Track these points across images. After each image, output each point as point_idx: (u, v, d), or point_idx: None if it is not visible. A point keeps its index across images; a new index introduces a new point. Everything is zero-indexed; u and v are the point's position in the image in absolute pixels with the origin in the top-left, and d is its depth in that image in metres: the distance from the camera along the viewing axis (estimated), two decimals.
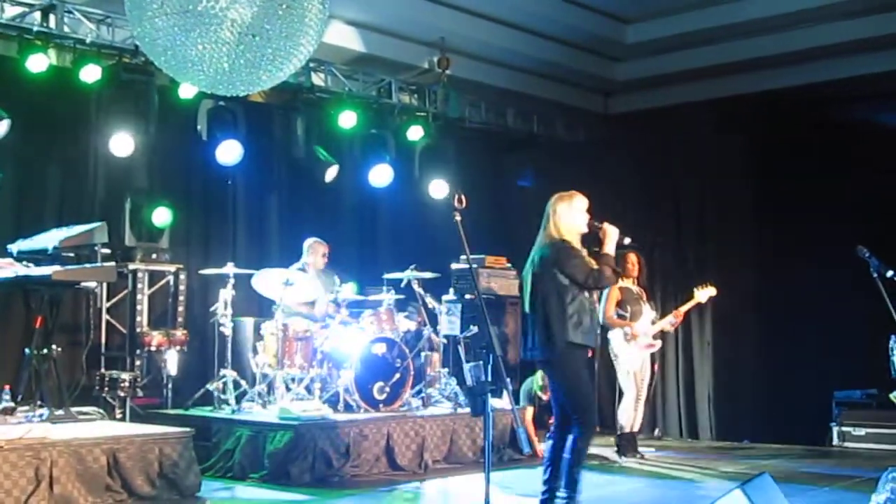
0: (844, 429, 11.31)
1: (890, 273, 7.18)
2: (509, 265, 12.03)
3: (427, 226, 11.75)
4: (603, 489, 7.12)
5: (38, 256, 8.37)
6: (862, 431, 11.17)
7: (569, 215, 6.83)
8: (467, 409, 9.60)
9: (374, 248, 12.34)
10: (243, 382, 9.56)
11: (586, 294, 6.66)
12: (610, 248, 6.82)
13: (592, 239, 6.97)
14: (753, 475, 5.10)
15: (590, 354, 6.78)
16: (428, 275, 10.17)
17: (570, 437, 6.46)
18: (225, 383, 9.39)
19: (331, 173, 11.17)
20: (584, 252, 6.77)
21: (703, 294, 9.89)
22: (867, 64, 11.63)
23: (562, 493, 6.44)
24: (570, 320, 6.50)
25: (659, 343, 10.03)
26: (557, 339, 6.46)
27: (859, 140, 12.32)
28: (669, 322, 9.99)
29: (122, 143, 9.70)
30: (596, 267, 6.67)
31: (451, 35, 11.46)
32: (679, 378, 12.28)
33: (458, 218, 5.48)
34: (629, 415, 9.85)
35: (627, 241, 7.10)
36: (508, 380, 9.22)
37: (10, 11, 9.10)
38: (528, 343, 6.70)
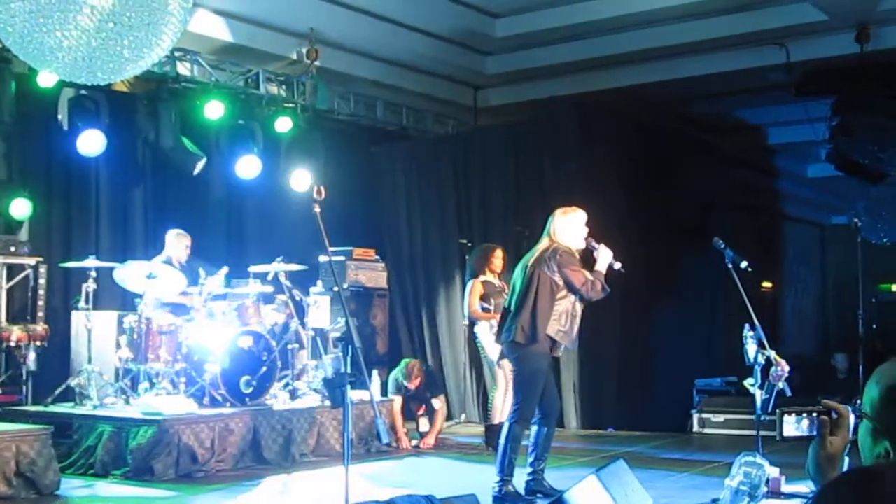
0: (704, 416, 11.65)
1: (744, 264, 7.42)
2: (377, 257, 12.06)
3: (295, 218, 11.67)
4: (464, 479, 7.20)
5: None
6: (721, 418, 11.51)
7: (569, 230, 7.47)
8: None
9: (241, 241, 12.22)
10: (105, 378, 9.36)
11: (573, 299, 7.28)
12: (601, 266, 7.38)
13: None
14: (609, 461, 5.22)
15: (556, 353, 7.51)
16: (295, 267, 10.10)
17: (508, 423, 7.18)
18: (87, 379, 9.17)
19: (199, 166, 11.00)
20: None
21: None
22: (727, 61, 12.00)
23: (496, 476, 7.09)
24: (553, 316, 7.16)
25: None
26: (538, 331, 7.09)
27: (721, 134, 12.74)
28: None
29: None
30: (591, 278, 7.25)
31: (320, 26, 11.40)
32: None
33: (317, 209, 5.47)
34: (498, 406, 9.94)
35: (618, 265, 7.54)
36: (376, 371, 9.29)
37: None
38: (506, 329, 7.34)
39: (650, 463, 8.98)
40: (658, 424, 11.68)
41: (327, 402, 9.58)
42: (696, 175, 12.09)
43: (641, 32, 11.89)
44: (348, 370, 4.87)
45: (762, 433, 7.05)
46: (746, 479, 6.55)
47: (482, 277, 9.91)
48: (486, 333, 9.83)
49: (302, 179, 11.74)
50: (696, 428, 11.64)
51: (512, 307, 7.35)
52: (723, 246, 7.48)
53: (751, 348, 7.14)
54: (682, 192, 12.04)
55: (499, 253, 10.11)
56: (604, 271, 7.37)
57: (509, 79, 13.44)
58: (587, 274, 7.27)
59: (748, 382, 7.34)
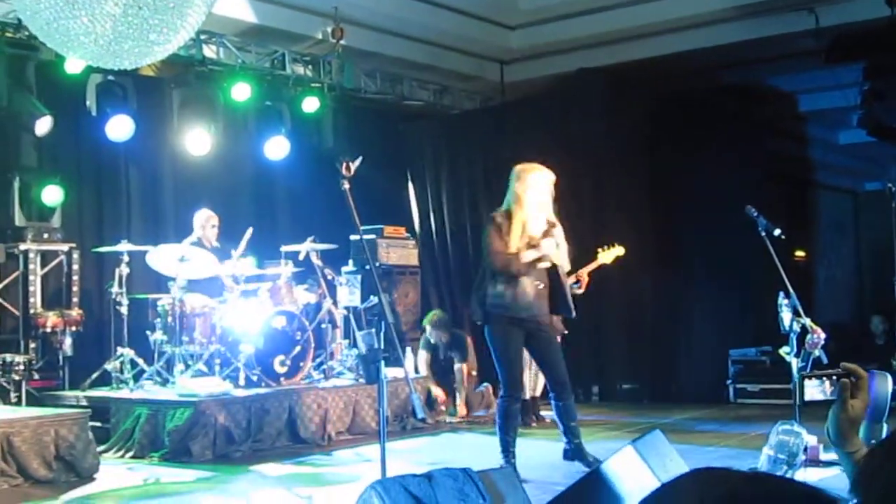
0: (740, 386, 11.61)
1: (777, 231, 7.35)
2: (408, 235, 12.05)
3: (325, 197, 11.68)
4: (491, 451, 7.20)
5: None
6: (756, 388, 11.46)
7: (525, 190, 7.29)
8: None
9: (271, 221, 12.23)
10: (141, 361, 9.43)
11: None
12: (530, 255, 7.07)
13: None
14: (645, 432, 5.20)
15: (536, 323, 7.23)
16: (325, 246, 10.12)
17: None
18: (122, 362, 9.25)
19: (205, 145, 10.93)
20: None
21: (609, 255, 9.85)
22: (757, 28, 11.86)
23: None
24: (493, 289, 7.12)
25: None
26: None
27: (753, 102, 12.61)
28: (572, 285, 9.95)
29: (8, 120, 9.47)
30: (506, 252, 7.04)
31: (344, 5, 11.34)
32: (577, 339, 12.41)
33: (346, 186, 5.47)
34: (525, 381, 9.94)
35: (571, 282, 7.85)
36: (409, 349, 9.30)
37: None
38: None
39: (686, 434, 8.96)
40: (693, 395, 11.66)
41: (362, 380, 9.63)
42: (726, 144, 11.98)
43: (668, 2, 11.78)
44: (382, 346, 4.88)
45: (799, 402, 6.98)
46: (784, 448, 6.52)
47: None
48: None
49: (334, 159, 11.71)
50: (731, 398, 11.59)
51: None
52: (756, 214, 7.40)
53: (786, 316, 7.08)
54: (713, 162, 11.94)
55: None
56: (528, 259, 7.08)
57: (535, 53, 13.34)
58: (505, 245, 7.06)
59: (784, 351, 7.28)
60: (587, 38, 12.56)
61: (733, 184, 11.58)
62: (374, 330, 4.90)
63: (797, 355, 7.12)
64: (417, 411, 5.25)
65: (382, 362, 4.79)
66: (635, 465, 4.60)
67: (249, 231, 9.80)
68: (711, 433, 9.34)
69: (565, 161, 12.69)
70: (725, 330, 11.88)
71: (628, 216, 12.10)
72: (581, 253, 10.29)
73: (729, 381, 11.70)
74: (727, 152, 11.86)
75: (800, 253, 16.21)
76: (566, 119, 12.68)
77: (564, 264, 7.30)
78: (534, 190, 7.15)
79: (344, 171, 5.35)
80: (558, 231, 7.19)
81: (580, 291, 10.17)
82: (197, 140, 10.81)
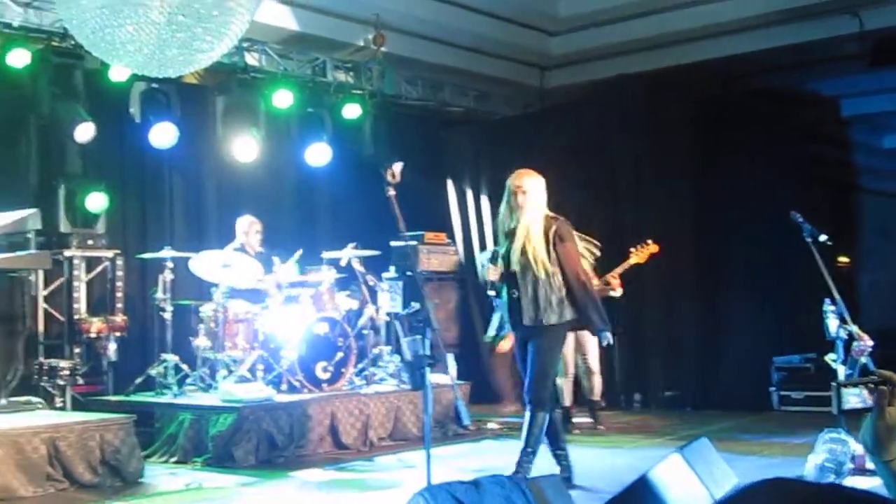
0: (784, 393, 11.49)
1: (823, 237, 7.28)
2: (449, 241, 12.05)
3: (366, 203, 11.71)
4: (545, 460, 7.16)
5: None
6: (801, 395, 11.34)
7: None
8: (411, 386, 9.68)
9: (312, 228, 12.29)
10: (185, 366, 9.49)
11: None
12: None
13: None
14: (692, 440, 5.17)
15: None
16: (367, 252, 10.15)
17: None
18: (166, 368, 9.31)
19: (253, 152, 10.98)
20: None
21: (642, 254, 9.78)
22: (799, 33, 11.77)
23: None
24: None
25: None
26: None
27: (794, 107, 12.50)
28: (601, 287, 9.85)
29: (53, 127, 9.57)
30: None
31: (385, 12, 11.41)
32: (620, 346, 12.36)
33: (391, 192, 5.48)
34: (564, 389, 9.92)
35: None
36: (451, 356, 9.29)
37: None
38: None
39: (730, 442, 8.87)
40: (736, 403, 11.55)
41: (404, 386, 9.65)
42: (767, 150, 11.89)
43: (709, 7, 11.73)
44: (427, 353, 4.88)
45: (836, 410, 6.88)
46: (831, 456, 6.46)
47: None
48: None
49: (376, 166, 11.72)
50: (775, 406, 11.49)
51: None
52: (801, 220, 7.33)
53: (832, 323, 7.00)
54: (754, 168, 11.85)
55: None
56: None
57: (575, 59, 13.34)
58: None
59: (830, 358, 7.20)
60: (627, 44, 12.54)
61: (775, 189, 11.49)
62: (419, 336, 4.90)
63: (844, 362, 7.04)
64: (463, 417, 5.25)
65: (428, 369, 4.80)
66: (683, 472, 4.57)
67: (299, 252, 9.87)
68: (755, 441, 9.25)
69: (604, 167, 12.72)
70: (768, 337, 11.78)
71: (668, 223, 12.03)
72: (621, 259, 10.29)
73: (772, 389, 11.58)
74: (768, 158, 11.77)
75: (843, 259, 16.05)
76: (605, 125, 12.65)
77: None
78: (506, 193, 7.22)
79: (389, 178, 5.38)
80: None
81: (616, 294, 10.14)
82: (244, 147, 10.90)
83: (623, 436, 9.86)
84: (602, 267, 10.31)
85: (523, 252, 6.82)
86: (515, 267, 6.86)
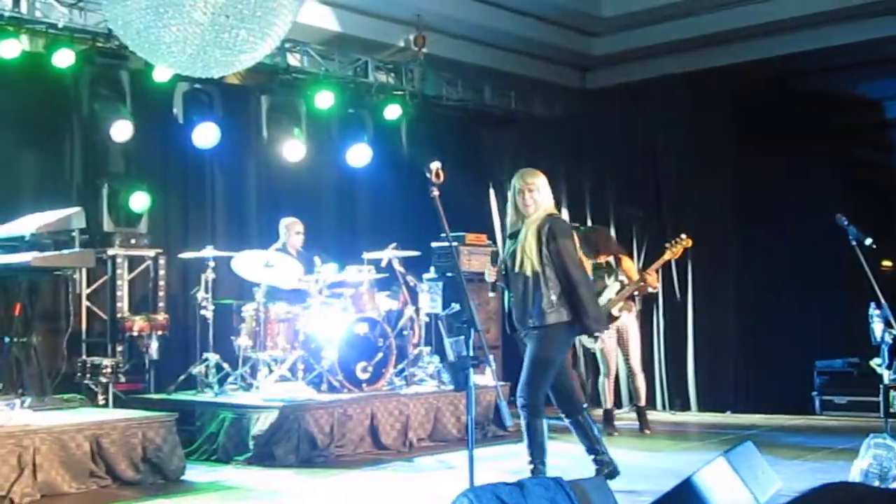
0: (826, 398, 11.39)
1: (868, 241, 7.19)
2: (490, 242, 12.04)
3: (406, 204, 11.75)
4: (588, 462, 7.13)
5: (14, 243, 8.30)
6: (844, 400, 11.25)
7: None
8: (450, 387, 9.66)
9: (353, 228, 12.33)
10: (226, 365, 9.53)
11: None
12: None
13: None
14: (736, 443, 5.13)
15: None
16: (408, 253, 10.16)
17: None
18: (207, 366, 9.36)
19: (298, 153, 11.07)
20: None
21: (677, 249, 9.70)
22: (842, 34, 11.66)
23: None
24: None
25: (627, 315, 9.89)
26: None
27: (837, 109, 12.39)
28: (637, 285, 9.76)
29: (97, 128, 9.65)
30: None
31: (426, 13, 11.43)
32: (659, 349, 12.32)
33: (435, 193, 5.48)
34: (603, 391, 9.88)
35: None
36: (491, 357, 9.27)
37: None
38: None
39: (772, 446, 8.79)
40: (777, 407, 11.48)
41: (444, 387, 9.65)
42: (810, 152, 11.78)
43: (753, 8, 11.64)
44: (470, 354, 4.87)
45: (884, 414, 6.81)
46: (876, 462, 6.38)
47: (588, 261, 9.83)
48: None
49: (417, 165, 11.73)
50: (817, 410, 11.39)
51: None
52: (846, 223, 7.25)
53: (877, 327, 6.90)
54: (796, 170, 11.75)
55: (603, 233, 10.02)
56: None
57: (617, 59, 13.28)
58: None
59: (875, 363, 7.11)
60: (669, 45, 12.48)
61: (817, 192, 11.40)
62: (462, 337, 4.89)
63: (889, 367, 6.95)
64: (506, 419, 5.24)
65: (471, 370, 4.79)
66: (727, 476, 4.54)
67: (333, 266, 9.91)
68: (797, 445, 9.18)
69: (647, 168, 12.67)
70: (811, 340, 11.67)
71: (710, 224, 11.97)
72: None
73: (814, 393, 11.50)
74: (811, 159, 11.67)
75: (887, 262, 15.88)
76: (647, 126, 12.61)
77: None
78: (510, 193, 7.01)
79: (434, 178, 5.35)
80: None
81: (654, 290, 10.08)
82: (291, 148, 11.01)
83: (664, 438, 9.82)
84: (643, 270, 10.29)
85: (517, 251, 6.67)
86: (514, 268, 6.70)
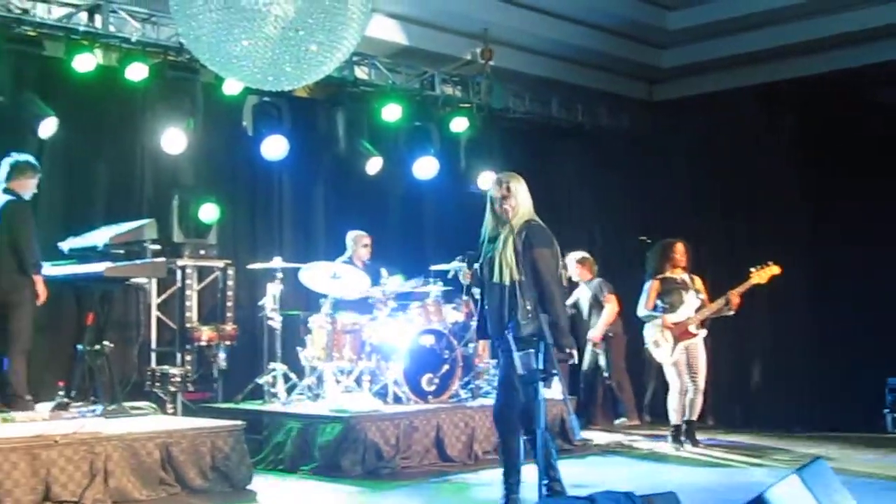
0: None
1: None
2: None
3: (472, 217, 11.70)
4: (655, 478, 7.08)
5: (87, 254, 8.47)
6: None
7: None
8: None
9: (419, 240, 12.35)
10: (293, 376, 9.61)
11: None
12: None
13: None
14: (808, 461, 5.05)
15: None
16: (474, 265, 10.13)
17: None
18: (275, 377, 9.45)
19: (373, 166, 11.19)
20: None
21: (764, 274, 9.68)
22: None
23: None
24: None
25: (702, 332, 9.83)
26: None
27: None
28: (721, 305, 9.77)
29: (169, 140, 9.79)
30: None
31: (493, 26, 11.45)
32: (729, 365, 12.18)
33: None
34: (673, 406, 9.78)
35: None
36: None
37: (57, 12, 9.22)
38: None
39: (844, 464, 8.65)
40: (847, 424, 11.26)
41: None
42: (884, 165, 11.59)
43: (824, 19, 11.50)
44: (540, 367, 4.86)
45: None
46: None
47: (662, 275, 9.79)
48: (654, 334, 9.70)
49: (485, 179, 11.70)
50: (889, 428, 11.18)
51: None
52: None
53: None
54: (869, 185, 11.56)
55: (679, 247, 9.92)
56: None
57: (685, 72, 13.20)
58: None
59: None
60: (738, 57, 12.38)
61: (891, 206, 11.23)
62: (532, 350, 4.88)
63: None
64: (576, 432, 5.21)
65: (541, 383, 4.78)
66: (800, 494, 4.47)
67: (400, 278, 9.95)
68: (869, 463, 9.02)
69: (715, 182, 12.54)
70: (882, 358, 11.46)
71: (780, 238, 11.81)
72: (732, 276, 10.14)
73: (886, 411, 11.29)
74: (884, 172, 11.47)
75: None
76: (716, 139, 12.48)
77: None
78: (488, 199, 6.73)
79: (504, 192, 5.36)
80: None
81: (731, 313, 10.00)
82: (368, 162, 11.16)
83: (731, 455, 9.69)
84: (718, 283, 10.21)
85: (493, 259, 6.44)
86: (490, 276, 6.45)
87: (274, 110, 10.64)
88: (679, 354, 9.66)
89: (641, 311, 9.85)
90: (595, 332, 11.07)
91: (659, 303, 9.78)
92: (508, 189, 6.41)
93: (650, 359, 9.96)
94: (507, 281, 6.27)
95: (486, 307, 6.54)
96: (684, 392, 9.75)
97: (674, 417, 9.84)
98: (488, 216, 6.62)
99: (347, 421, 8.39)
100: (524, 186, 6.54)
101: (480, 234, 6.68)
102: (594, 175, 13.37)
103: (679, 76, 13.37)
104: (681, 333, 9.68)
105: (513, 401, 6.26)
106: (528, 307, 6.11)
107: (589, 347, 11.28)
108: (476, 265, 6.75)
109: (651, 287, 9.81)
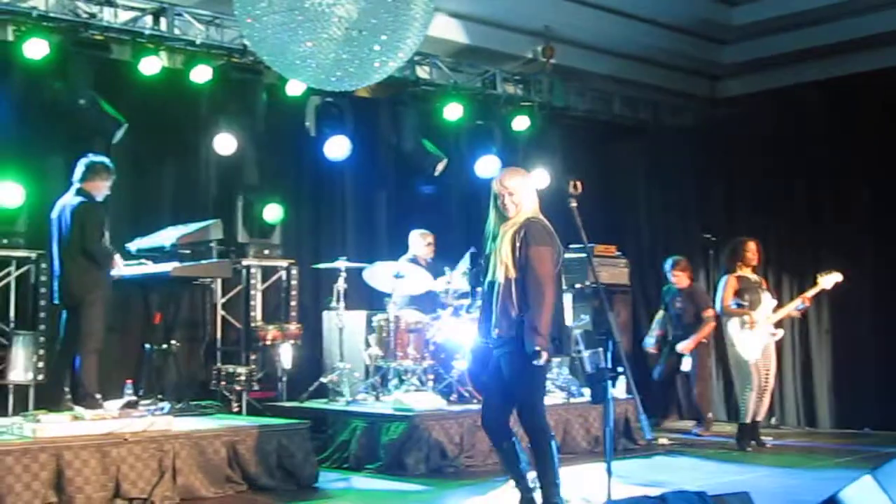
0: None
1: None
2: (619, 254, 11.93)
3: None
4: (722, 477, 7.00)
5: (155, 254, 8.59)
6: None
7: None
8: (580, 399, 9.61)
9: (482, 239, 12.31)
10: (357, 374, 9.65)
11: None
12: None
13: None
14: (883, 462, 4.96)
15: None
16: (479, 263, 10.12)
17: None
18: (339, 376, 9.49)
19: (437, 165, 11.23)
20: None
21: (828, 280, 9.64)
22: None
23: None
24: None
25: (781, 332, 9.80)
26: None
27: None
28: (796, 307, 9.75)
29: (233, 141, 9.89)
30: None
31: (554, 23, 11.41)
32: (796, 365, 12.02)
33: (573, 204, 5.45)
34: (752, 405, 9.67)
35: None
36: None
37: (123, 16, 9.35)
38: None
39: None
40: None
41: (574, 399, 9.58)
42: None
43: (891, 12, 11.29)
44: (609, 365, 4.83)
45: None
46: None
47: (737, 272, 9.72)
48: (738, 330, 9.59)
49: (545, 177, 11.67)
50: None
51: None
52: None
53: None
54: None
55: (752, 246, 9.84)
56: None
57: (749, 67, 13.04)
58: None
59: None
60: (805, 52, 12.18)
61: None
62: (600, 349, 4.86)
63: None
64: (646, 431, 5.18)
65: (610, 382, 4.75)
66: (875, 495, 4.39)
67: (470, 253, 9.91)
68: None
69: (779, 181, 12.37)
70: None
71: (848, 238, 11.63)
72: (796, 278, 10.03)
73: None
74: None
75: None
76: (781, 136, 12.31)
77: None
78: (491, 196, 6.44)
79: (571, 190, 5.33)
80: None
81: (798, 315, 9.94)
82: (432, 161, 11.23)
83: (801, 455, 9.57)
84: (777, 284, 10.11)
85: (494, 256, 6.12)
86: (488, 273, 6.14)
87: (336, 111, 10.69)
88: (761, 352, 9.60)
89: (721, 306, 9.77)
90: (688, 344, 10.87)
91: (737, 300, 9.71)
92: (511, 185, 6.20)
93: (732, 356, 9.82)
94: (500, 279, 6.00)
95: (482, 305, 6.27)
96: (762, 391, 9.66)
97: (747, 416, 9.72)
98: (492, 213, 6.36)
99: (411, 420, 8.40)
100: (529, 183, 6.31)
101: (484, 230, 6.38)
102: (656, 173, 13.27)
103: (742, 72, 13.21)
104: (766, 332, 9.62)
105: (504, 406, 6.16)
106: (519, 306, 5.90)
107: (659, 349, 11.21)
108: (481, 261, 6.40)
109: (728, 283, 9.75)
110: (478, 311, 6.12)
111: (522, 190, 6.20)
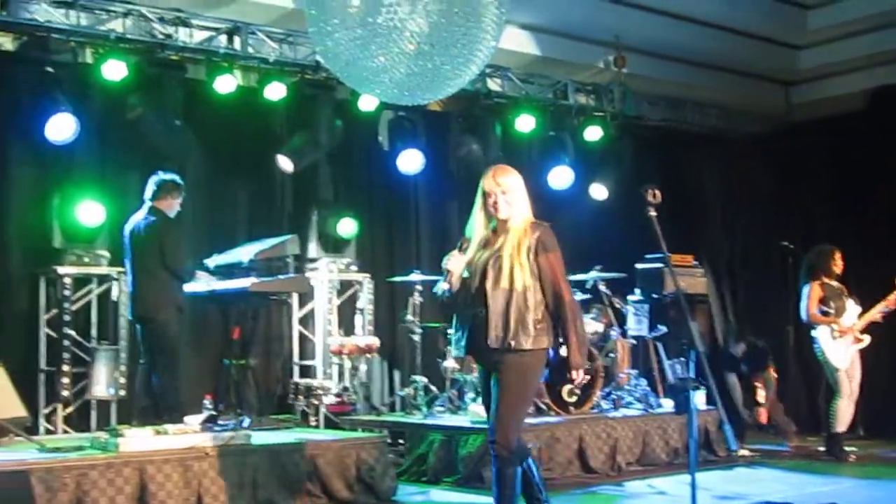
0: None
1: None
2: (695, 263, 11.78)
3: (608, 226, 11.64)
4: (806, 489, 6.88)
5: (232, 270, 8.68)
6: None
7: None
8: (659, 410, 9.50)
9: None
10: (433, 387, 9.65)
11: None
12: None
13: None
14: None
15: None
16: (613, 275, 10.06)
17: None
18: (416, 389, 9.50)
19: (563, 179, 11.28)
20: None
21: None
22: None
23: None
24: None
25: (868, 338, 9.62)
26: None
27: None
28: (880, 311, 9.59)
29: (304, 157, 9.99)
30: None
31: (625, 33, 11.34)
32: (882, 374, 11.76)
33: (652, 213, 5.41)
34: (843, 414, 9.52)
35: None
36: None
37: (198, 36, 9.48)
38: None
39: None
40: None
41: (652, 411, 9.48)
42: None
43: None
44: (691, 376, 4.78)
45: None
46: None
47: (821, 280, 9.58)
48: (827, 338, 9.46)
49: (620, 188, 11.60)
50: None
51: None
52: None
53: None
54: None
55: (837, 255, 9.72)
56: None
57: (824, 72, 12.84)
58: None
59: None
60: (884, 55, 11.96)
61: None
62: (683, 359, 4.81)
63: None
64: (730, 442, 5.11)
65: (693, 392, 4.70)
66: None
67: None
68: None
69: (858, 186, 12.13)
70: None
71: None
72: (873, 282, 9.85)
73: None
74: None
75: None
76: (859, 143, 12.08)
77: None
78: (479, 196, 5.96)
79: (650, 199, 5.29)
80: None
81: (880, 319, 9.76)
82: (557, 175, 11.41)
83: (885, 467, 9.37)
84: (855, 291, 9.92)
85: (498, 261, 5.61)
86: (486, 280, 5.59)
87: (408, 124, 10.75)
88: (850, 361, 9.46)
89: (807, 314, 9.64)
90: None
91: (822, 307, 9.58)
92: (505, 183, 5.80)
93: (825, 363, 9.67)
94: (509, 286, 5.54)
95: (486, 317, 5.58)
96: (853, 400, 9.51)
97: (839, 426, 9.56)
98: (478, 215, 5.87)
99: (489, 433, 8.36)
100: (521, 183, 5.89)
101: (465, 233, 5.93)
102: (731, 180, 13.10)
103: (818, 77, 13.01)
104: (853, 339, 9.49)
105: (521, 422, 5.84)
106: (538, 316, 5.59)
107: None
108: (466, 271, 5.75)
109: (812, 290, 9.63)
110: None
111: (516, 189, 5.81)
